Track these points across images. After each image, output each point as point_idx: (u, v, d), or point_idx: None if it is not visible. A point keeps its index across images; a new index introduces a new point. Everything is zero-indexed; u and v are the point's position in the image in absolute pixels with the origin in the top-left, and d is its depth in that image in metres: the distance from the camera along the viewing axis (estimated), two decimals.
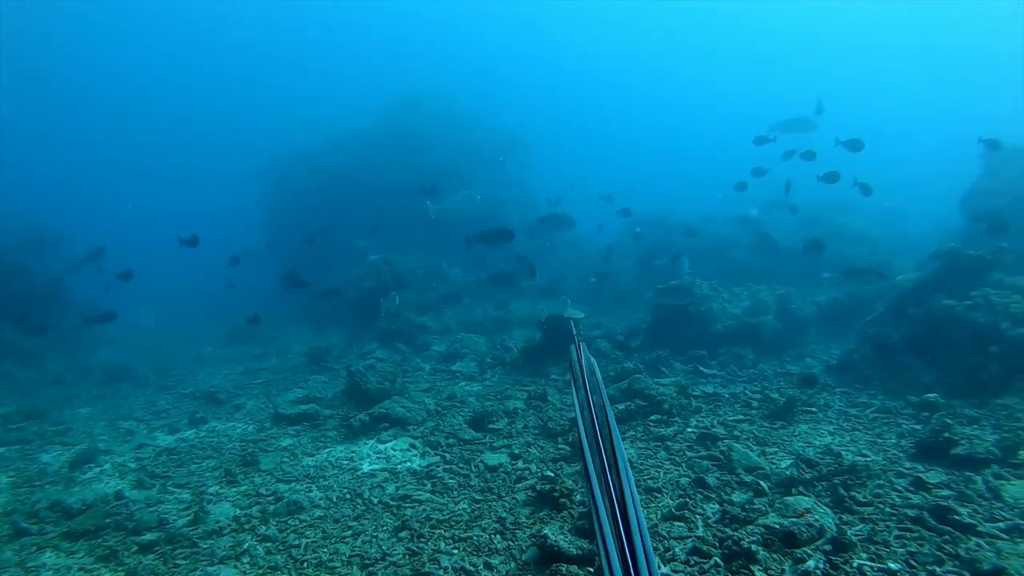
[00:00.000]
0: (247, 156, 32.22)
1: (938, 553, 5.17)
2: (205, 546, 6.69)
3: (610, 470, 1.55)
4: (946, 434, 7.10)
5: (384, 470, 8.33)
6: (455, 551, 6.08)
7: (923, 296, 10.11)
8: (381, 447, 9.11)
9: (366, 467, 8.50)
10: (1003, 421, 7.95)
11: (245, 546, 6.61)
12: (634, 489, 1.46)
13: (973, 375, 9.03)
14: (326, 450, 9.24)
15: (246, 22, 58.35)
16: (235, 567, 6.26)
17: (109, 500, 7.78)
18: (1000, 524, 5.55)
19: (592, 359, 2.13)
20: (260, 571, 6.17)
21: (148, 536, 6.92)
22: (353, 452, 9.06)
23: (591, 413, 1.81)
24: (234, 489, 8.14)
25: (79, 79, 56.34)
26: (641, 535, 1.28)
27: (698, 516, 6.16)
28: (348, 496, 7.67)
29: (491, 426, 9.42)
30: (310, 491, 7.86)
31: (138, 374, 15.00)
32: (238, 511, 7.44)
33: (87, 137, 60.64)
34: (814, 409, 9.19)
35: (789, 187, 16.34)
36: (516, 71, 69.01)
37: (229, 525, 7.13)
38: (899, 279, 10.91)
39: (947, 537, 5.39)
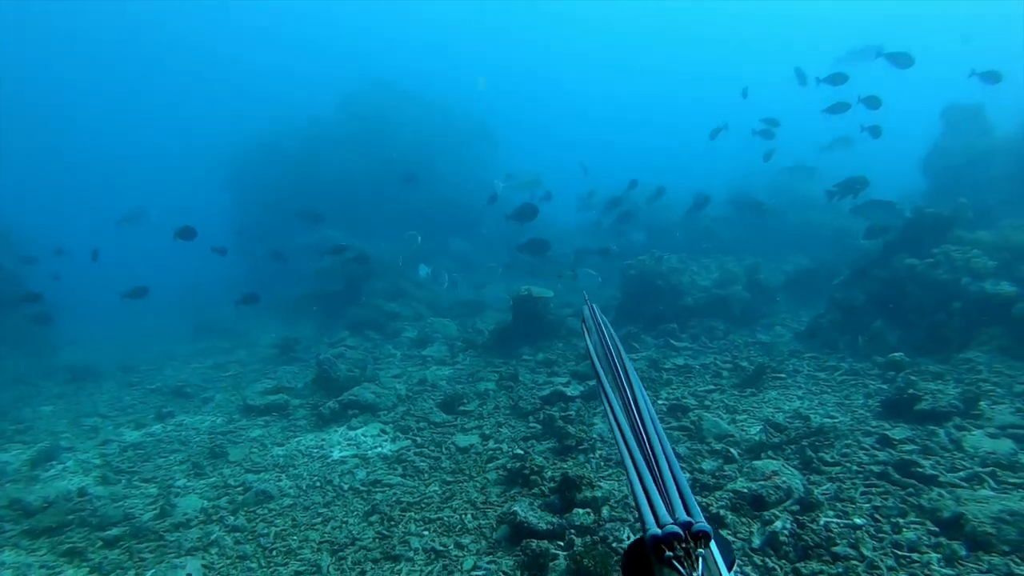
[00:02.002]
0: (207, 146, 31.49)
1: (902, 505, 5.23)
2: (172, 539, 6.57)
3: (627, 393, 1.53)
4: (910, 391, 7.20)
5: (355, 456, 8.23)
6: (426, 532, 6.02)
7: (887, 257, 10.21)
8: (351, 434, 9.01)
9: (336, 454, 8.40)
10: (965, 375, 8.07)
11: (213, 537, 6.50)
12: (654, 415, 1.50)
13: (937, 332, 9.16)
14: (296, 439, 9.10)
15: (204, 9, 56.90)
16: (203, 558, 6.15)
17: (72, 497, 7.59)
18: (961, 473, 5.64)
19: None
20: (228, 561, 6.07)
21: (113, 531, 6.76)
22: (323, 440, 8.94)
23: (608, 353, 1.77)
24: (202, 481, 8.00)
25: (28, 72, 54.61)
26: (667, 456, 1.31)
27: None
28: (318, 483, 7.58)
29: (462, 408, 9.35)
30: (280, 480, 7.74)
31: (103, 371, 14.66)
32: (206, 503, 7.32)
33: (38, 131, 58.76)
34: (783, 375, 9.25)
35: (769, 155, 16.31)
36: (481, 55, 68.54)
37: (197, 517, 7.01)
38: (863, 240, 10.99)
39: (911, 490, 5.45)
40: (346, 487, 7.38)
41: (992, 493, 5.25)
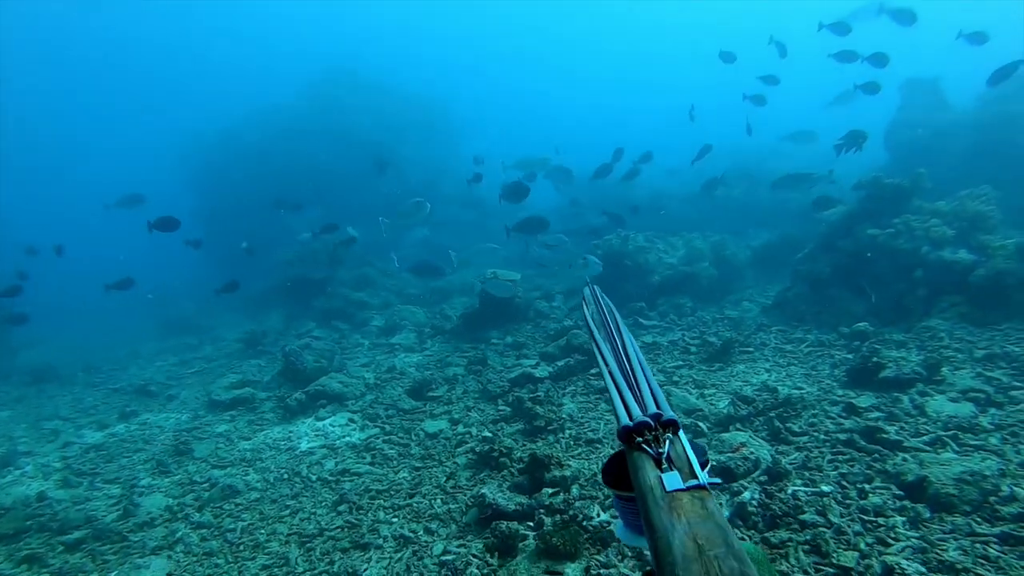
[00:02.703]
0: (168, 140, 30.59)
1: (868, 471, 5.28)
2: (136, 539, 6.41)
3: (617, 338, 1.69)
4: (875, 359, 7.26)
5: (323, 447, 8.11)
6: (395, 520, 5.94)
7: (849, 228, 10.28)
8: (319, 424, 8.87)
9: (304, 445, 8.26)
10: (927, 342, 8.17)
11: (178, 535, 6.36)
12: (634, 343, 1.63)
13: (900, 301, 9.26)
14: (263, 432, 8.95)
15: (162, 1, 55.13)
16: (168, 557, 6.02)
17: (30, 502, 7.36)
18: (924, 438, 5.70)
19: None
20: (194, 558, 5.94)
21: (75, 535, 6.58)
22: (291, 432, 8.80)
23: (604, 320, 1.80)
24: (167, 479, 7.83)
25: None
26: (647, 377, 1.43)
27: None
28: (286, 476, 7.45)
29: (431, 394, 9.26)
30: (247, 474, 7.60)
31: (64, 373, 14.26)
32: (171, 501, 7.16)
33: None
34: (751, 349, 9.30)
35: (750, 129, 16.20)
36: (444, 41, 67.71)
37: (161, 515, 6.86)
38: (826, 213, 11.06)
39: (876, 456, 5.50)
40: (314, 478, 7.27)
41: (954, 455, 5.32)
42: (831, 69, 13.92)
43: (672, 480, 1.05)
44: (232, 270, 19.85)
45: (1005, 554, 4.06)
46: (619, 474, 1.24)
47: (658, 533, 0.96)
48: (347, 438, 8.28)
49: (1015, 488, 4.65)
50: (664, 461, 1.11)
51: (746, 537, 4.62)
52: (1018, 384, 6.54)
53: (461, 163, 26.06)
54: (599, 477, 5.92)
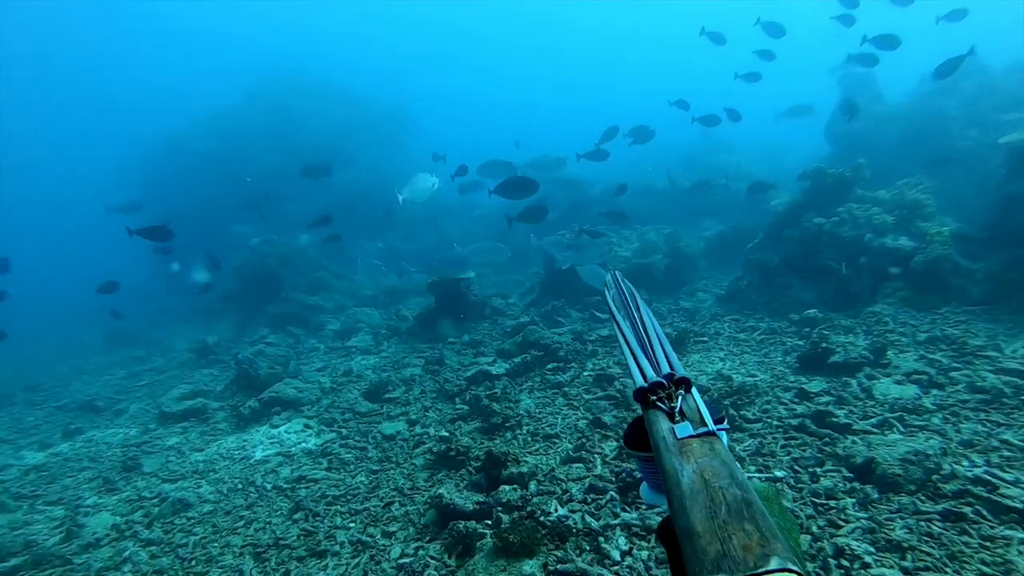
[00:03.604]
0: (112, 149, 29.63)
1: (819, 455, 5.39)
2: (80, 561, 6.15)
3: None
4: (823, 345, 7.43)
5: (278, 454, 7.93)
6: (352, 525, 5.84)
7: (796, 217, 10.52)
8: (274, 431, 8.68)
9: (259, 454, 8.07)
10: (873, 327, 8.40)
11: (126, 554, 6.12)
12: (650, 313, 1.78)
13: (846, 288, 9.52)
14: (216, 443, 8.71)
15: (94, 5, 53.17)
16: None
17: None
18: (872, 420, 5.85)
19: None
20: None
21: (11, 562, 6.28)
22: (245, 441, 8.59)
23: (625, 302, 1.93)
24: (114, 497, 7.54)
25: None
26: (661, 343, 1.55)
27: (596, 455, 6.15)
28: (240, 486, 7.26)
29: (388, 396, 9.15)
30: (199, 487, 7.38)
31: (1, 393, 13.65)
32: (118, 519, 6.89)
33: None
34: (706, 338, 9.43)
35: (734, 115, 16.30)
36: (396, 43, 67.14)
37: (108, 535, 6.59)
38: (773, 204, 11.30)
39: (827, 439, 5.63)
40: (269, 487, 7.10)
41: (900, 436, 5.47)
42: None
43: (683, 429, 1.15)
44: (179, 279, 19.40)
45: (947, 530, 4.19)
46: (640, 438, 1.31)
47: (669, 474, 1.05)
48: (303, 444, 8.12)
49: (955, 466, 4.80)
50: (677, 414, 1.21)
51: None
52: (957, 365, 6.77)
53: (415, 164, 25.92)
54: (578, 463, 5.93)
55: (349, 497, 6.42)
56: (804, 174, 10.78)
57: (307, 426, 8.66)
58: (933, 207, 9.83)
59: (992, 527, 4.15)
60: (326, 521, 6.00)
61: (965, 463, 4.88)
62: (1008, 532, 4.07)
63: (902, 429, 5.63)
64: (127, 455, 8.64)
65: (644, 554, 4.47)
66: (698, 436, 1.12)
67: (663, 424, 1.19)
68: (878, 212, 9.57)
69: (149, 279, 21.85)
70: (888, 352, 7.27)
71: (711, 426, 1.15)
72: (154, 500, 7.22)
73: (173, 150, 23.04)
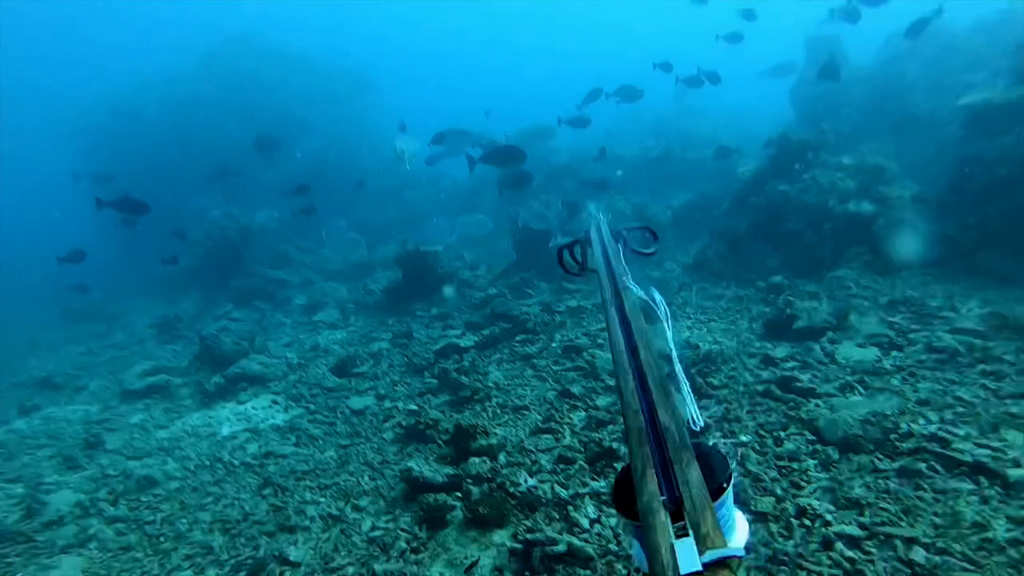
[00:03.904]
0: (54, 115, 28.29)
1: (783, 419, 5.49)
2: (43, 539, 6.04)
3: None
4: (788, 311, 7.55)
5: (245, 431, 7.85)
6: (322, 499, 5.82)
7: (761, 184, 10.60)
8: (241, 408, 8.57)
9: (226, 430, 7.97)
10: (836, 291, 8.54)
11: (91, 531, 6.03)
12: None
13: (811, 253, 9.66)
14: (181, 420, 8.58)
15: None
16: (80, 555, 5.71)
17: None
18: (834, 383, 5.97)
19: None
20: (110, 554, 5.66)
21: None
22: (211, 417, 8.47)
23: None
24: (77, 475, 7.39)
25: None
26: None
27: (565, 426, 6.20)
28: (207, 463, 7.18)
29: (356, 370, 9.08)
30: (165, 464, 7.27)
31: None
32: (82, 496, 6.77)
33: None
34: (673, 308, 9.50)
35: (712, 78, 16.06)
36: (359, 9, 65.21)
37: (71, 512, 6.47)
38: (739, 171, 11.36)
39: (791, 404, 5.73)
40: (237, 463, 7.03)
41: (861, 398, 5.59)
42: None
43: (687, 555, 0.83)
44: (140, 252, 18.91)
45: (902, 486, 4.32)
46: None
47: None
48: (270, 420, 8.04)
49: (912, 425, 4.93)
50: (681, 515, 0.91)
51: None
52: (916, 327, 6.93)
53: (379, 133, 25.48)
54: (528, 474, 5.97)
55: (318, 472, 6.39)
56: (769, 141, 10.84)
57: (274, 402, 8.57)
58: (895, 171, 9.95)
59: (944, 480, 4.29)
60: (296, 496, 5.97)
61: (921, 421, 5.01)
62: (958, 484, 4.22)
63: (863, 391, 5.76)
64: (89, 432, 8.46)
65: (613, 521, 4.53)
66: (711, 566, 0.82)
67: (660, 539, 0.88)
68: (841, 178, 9.67)
69: (107, 250, 21.22)
70: (851, 316, 7.40)
71: (732, 548, 0.85)
72: (119, 477, 7.11)
73: (125, 117, 22.10)
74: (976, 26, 14.59)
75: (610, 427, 5.82)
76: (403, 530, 4.97)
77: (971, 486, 4.19)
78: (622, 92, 14.89)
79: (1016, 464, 4.28)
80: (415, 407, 7.32)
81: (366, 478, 6.03)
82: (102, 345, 13.72)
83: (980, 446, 4.54)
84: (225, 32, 25.24)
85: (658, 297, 1.79)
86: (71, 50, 49.74)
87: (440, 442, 6.20)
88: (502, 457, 5.65)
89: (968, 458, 4.41)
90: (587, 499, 4.82)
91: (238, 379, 9.16)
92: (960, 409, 5.15)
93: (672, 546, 0.85)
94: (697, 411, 1.08)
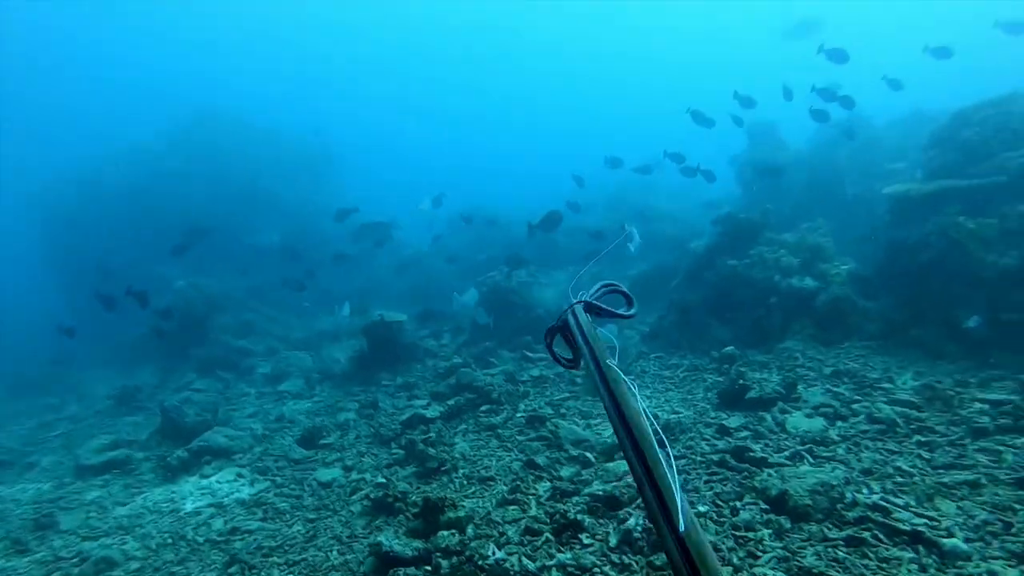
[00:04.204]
0: (8, 181, 27.99)
1: (738, 489, 5.79)
2: None
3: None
4: (741, 381, 7.97)
5: (210, 506, 7.80)
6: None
7: (712, 259, 11.22)
8: (205, 482, 8.51)
9: (189, 506, 7.90)
10: (785, 362, 9.04)
11: None
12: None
13: (759, 325, 10.20)
14: (142, 495, 8.45)
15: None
16: None
17: None
18: (785, 453, 6.33)
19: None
20: None
21: None
22: (174, 493, 8.38)
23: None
24: (25, 559, 7.17)
25: None
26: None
27: (531, 497, 6.38)
28: (170, 540, 7.10)
29: (323, 441, 9.15)
30: (124, 543, 7.16)
31: None
32: None
33: None
34: (633, 377, 9.83)
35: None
36: (319, 81, 66.71)
37: None
38: (691, 246, 12.00)
39: (745, 473, 6.04)
40: (202, 540, 6.98)
41: (809, 468, 5.94)
42: None
43: None
44: (96, 320, 18.61)
45: (850, 555, 4.62)
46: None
47: None
48: (236, 494, 8.01)
49: (856, 494, 5.28)
50: None
51: (633, 562, 4.95)
52: (858, 397, 7.40)
53: (344, 200, 25.91)
54: (491, 507, 6.11)
55: (287, 547, 6.41)
56: (717, 219, 11.54)
57: (240, 475, 8.54)
58: (832, 249, 10.69)
59: (887, 549, 4.62)
60: (263, 573, 5.97)
61: (864, 491, 5.37)
62: (899, 553, 4.54)
63: (812, 460, 6.12)
64: (40, 512, 8.23)
65: None
66: None
67: None
68: (785, 255, 10.34)
69: (60, 319, 20.78)
70: (798, 386, 7.85)
71: None
72: (73, 560, 6.95)
73: (86, 187, 22.07)
74: (893, 121, 16.14)
75: (575, 498, 6.03)
76: None
77: (911, 554, 4.51)
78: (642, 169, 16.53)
79: (949, 534, 4.64)
80: (383, 479, 7.41)
81: (335, 553, 6.08)
82: (56, 418, 13.36)
83: (918, 515, 4.89)
84: (191, 104, 25.69)
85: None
86: (31, 118, 49.47)
87: (409, 515, 6.31)
88: (470, 529, 5.79)
89: (907, 527, 4.75)
90: (554, 571, 4.99)
91: (202, 452, 9.11)
92: (899, 479, 5.53)
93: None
94: (687, 508, 1.13)
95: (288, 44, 64.13)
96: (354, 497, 7.25)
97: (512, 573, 5.00)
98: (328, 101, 63.47)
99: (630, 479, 5.92)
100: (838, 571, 4.47)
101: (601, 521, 5.54)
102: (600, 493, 5.81)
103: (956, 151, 9.73)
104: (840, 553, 4.66)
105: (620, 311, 2.16)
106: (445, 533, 5.64)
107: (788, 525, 5.11)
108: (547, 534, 5.54)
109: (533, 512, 6.06)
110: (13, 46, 48.39)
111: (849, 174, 15.11)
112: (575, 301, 2.11)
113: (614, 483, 5.95)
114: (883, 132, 15.85)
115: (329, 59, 68.69)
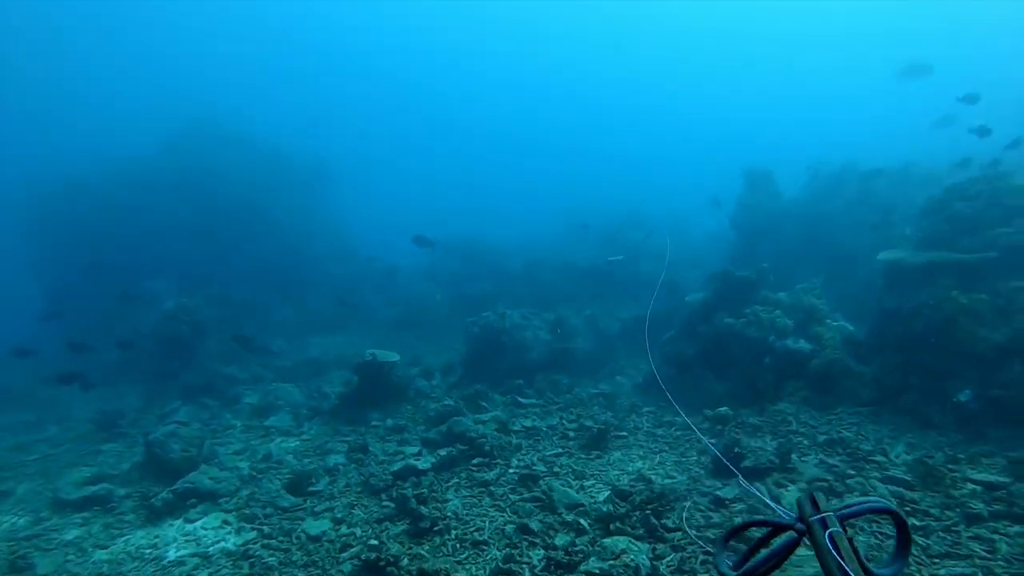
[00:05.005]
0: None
1: None
2: None
3: None
4: (736, 449, 7.99)
5: (194, 555, 7.62)
6: None
7: (708, 314, 11.32)
8: (189, 527, 8.34)
9: (172, 554, 7.73)
10: (779, 426, 9.12)
11: None
12: None
13: (753, 384, 10.31)
14: (123, 538, 8.26)
15: None
16: None
17: None
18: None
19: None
20: None
21: None
22: (157, 537, 8.19)
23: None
24: None
25: None
26: None
27: (524, 566, 6.33)
28: None
29: (311, 488, 9.01)
30: None
31: None
32: None
33: None
34: (625, 433, 9.89)
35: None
36: (322, 98, 66.67)
37: None
38: (688, 298, 12.11)
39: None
40: None
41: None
42: None
43: None
44: (78, 331, 18.34)
45: None
46: None
47: None
48: (222, 543, 7.85)
49: None
50: None
51: None
52: (852, 472, 7.45)
53: (335, 220, 25.96)
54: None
55: None
56: (713, 276, 11.68)
57: (226, 522, 8.38)
58: (826, 310, 10.83)
59: None
60: None
61: None
62: None
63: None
64: (15, 552, 7.97)
65: None
66: None
67: None
68: (780, 315, 10.46)
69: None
70: (792, 455, 7.90)
71: None
72: None
73: (77, 194, 21.74)
74: (885, 173, 16.40)
75: (570, 575, 5.98)
76: None
77: None
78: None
79: None
80: (375, 542, 7.27)
81: None
82: (33, 440, 13.03)
83: None
84: (187, 113, 25.53)
85: None
86: (26, 122, 48.97)
87: None
88: None
89: None
90: None
91: (187, 494, 8.93)
92: None
93: None
94: None
95: (291, 55, 64.25)
96: (344, 555, 7.13)
97: None
98: (328, 110, 63.32)
99: (627, 559, 5.91)
100: None
101: None
102: (596, 571, 5.77)
103: (948, 222, 9.92)
104: None
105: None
106: None
107: None
108: None
109: None
110: (10, 48, 48.02)
111: (842, 228, 15.35)
112: (821, 513, 1.72)
113: (611, 561, 5.91)
114: (876, 183, 16.11)
115: (334, 70, 68.95)
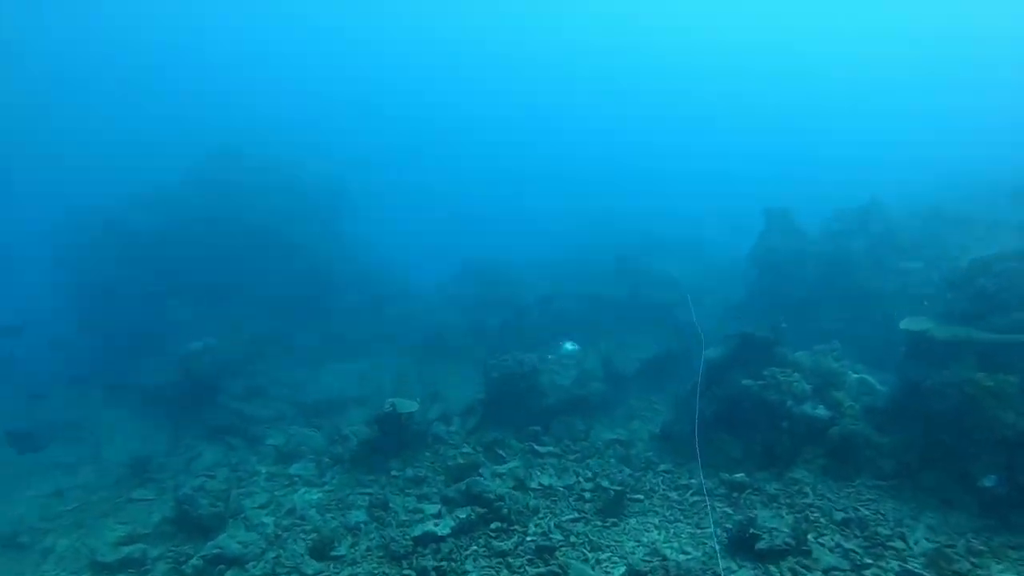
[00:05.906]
0: (31, 222, 28.28)
1: None
2: None
3: None
4: (751, 529, 8.05)
5: None
6: None
7: (725, 372, 11.34)
8: None
9: None
10: (795, 498, 9.18)
11: None
12: None
13: (770, 448, 10.36)
14: None
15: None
16: None
17: None
18: None
19: None
20: None
21: None
22: None
23: None
24: None
25: None
26: None
27: None
28: None
29: (334, 553, 9.24)
30: None
31: None
32: None
33: None
34: (641, 496, 10.00)
35: None
36: (338, 121, 66.57)
37: None
38: (707, 353, 12.14)
39: None
40: None
41: None
42: None
43: None
44: (108, 359, 18.84)
45: None
46: None
47: None
48: None
49: None
50: None
51: None
52: (869, 560, 7.49)
53: (359, 243, 26.21)
54: None
55: None
56: (729, 335, 11.72)
57: None
58: (846, 375, 10.83)
59: None
60: None
61: None
62: None
63: None
64: None
65: None
66: None
67: None
68: (798, 379, 10.47)
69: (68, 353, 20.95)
70: (809, 536, 7.94)
71: None
72: None
73: (112, 226, 22.14)
74: (912, 213, 16.20)
75: None
76: None
77: None
78: None
79: None
80: None
81: None
82: (70, 485, 13.32)
83: None
84: (210, 142, 25.90)
85: None
86: (59, 148, 49.80)
87: None
88: None
89: None
90: None
91: (216, 560, 9.19)
92: None
93: None
94: None
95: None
96: None
97: None
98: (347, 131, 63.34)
99: None
100: None
101: None
102: None
103: (972, 299, 9.87)
104: None
105: None
106: None
107: None
108: None
109: None
110: (42, 73, 48.97)
111: (864, 267, 15.22)
112: None
113: None
114: (900, 224, 15.94)
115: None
